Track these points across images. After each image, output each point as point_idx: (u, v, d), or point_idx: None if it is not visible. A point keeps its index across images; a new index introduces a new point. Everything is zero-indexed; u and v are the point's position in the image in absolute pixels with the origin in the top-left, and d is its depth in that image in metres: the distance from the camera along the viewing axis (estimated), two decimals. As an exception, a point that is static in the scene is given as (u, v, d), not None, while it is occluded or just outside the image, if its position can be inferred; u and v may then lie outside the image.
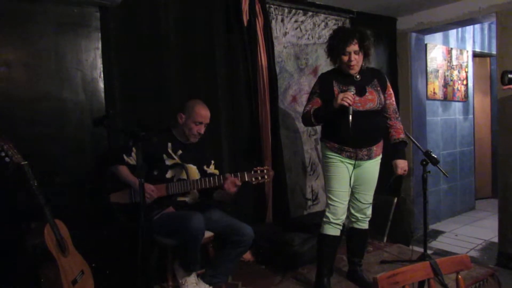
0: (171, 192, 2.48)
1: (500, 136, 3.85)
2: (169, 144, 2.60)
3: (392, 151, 2.76)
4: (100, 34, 2.73)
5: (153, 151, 2.48)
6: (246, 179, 2.48)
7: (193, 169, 2.64)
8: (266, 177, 2.49)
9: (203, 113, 2.60)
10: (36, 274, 2.12)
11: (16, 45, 2.47)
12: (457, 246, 4.19)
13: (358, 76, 2.64)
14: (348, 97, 2.42)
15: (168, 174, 2.55)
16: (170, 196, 2.50)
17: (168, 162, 2.56)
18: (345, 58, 2.55)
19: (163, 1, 2.95)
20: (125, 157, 2.49)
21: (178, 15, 3.03)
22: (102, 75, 2.75)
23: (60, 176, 2.58)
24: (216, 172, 2.75)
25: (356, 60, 2.55)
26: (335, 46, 2.58)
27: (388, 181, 2.86)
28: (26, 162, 2.10)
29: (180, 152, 2.61)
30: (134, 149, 2.47)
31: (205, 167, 2.72)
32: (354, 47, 2.52)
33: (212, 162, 2.79)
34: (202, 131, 2.61)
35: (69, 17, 2.62)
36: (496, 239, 3.90)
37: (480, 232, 4.60)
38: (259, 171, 2.49)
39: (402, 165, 2.74)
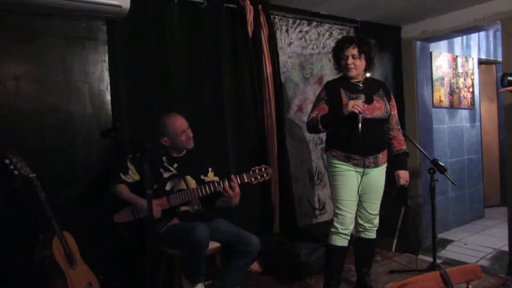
0: (173, 204, 2.48)
1: (508, 143, 3.82)
2: (164, 158, 2.61)
3: (395, 162, 2.78)
4: (107, 47, 2.77)
5: (150, 165, 2.49)
6: (246, 181, 2.48)
7: (190, 180, 2.64)
8: (265, 175, 2.50)
9: (179, 122, 2.57)
10: (44, 286, 2.13)
11: (24, 59, 2.51)
12: (467, 255, 4.13)
13: (361, 85, 2.65)
14: (358, 104, 2.44)
15: (167, 187, 2.56)
16: (173, 207, 2.50)
17: (166, 174, 2.57)
18: (343, 62, 2.64)
19: (168, 14, 2.98)
20: (122, 176, 2.50)
21: (183, 27, 3.05)
22: (109, 88, 2.78)
23: (68, 188, 2.60)
24: (216, 179, 2.72)
25: (353, 63, 2.60)
26: (335, 52, 2.70)
27: (391, 192, 2.84)
28: (34, 175, 2.13)
29: (175, 165, 2.62)
30: (130, 166, 2.51)
31: (202, 176, 2.70)
32: (352, 50, 2.60)
33: (210, 169, 2.75)
34: (191, 134, 2.60)
35: (77, 31, 2.67)
36: (506, 248, 3.85)
37: (489, 241, 4.54)
38: (257, 170, 2.49)
39: (404, 175, 2.77)
